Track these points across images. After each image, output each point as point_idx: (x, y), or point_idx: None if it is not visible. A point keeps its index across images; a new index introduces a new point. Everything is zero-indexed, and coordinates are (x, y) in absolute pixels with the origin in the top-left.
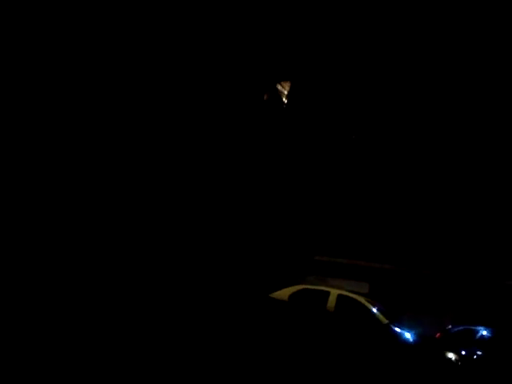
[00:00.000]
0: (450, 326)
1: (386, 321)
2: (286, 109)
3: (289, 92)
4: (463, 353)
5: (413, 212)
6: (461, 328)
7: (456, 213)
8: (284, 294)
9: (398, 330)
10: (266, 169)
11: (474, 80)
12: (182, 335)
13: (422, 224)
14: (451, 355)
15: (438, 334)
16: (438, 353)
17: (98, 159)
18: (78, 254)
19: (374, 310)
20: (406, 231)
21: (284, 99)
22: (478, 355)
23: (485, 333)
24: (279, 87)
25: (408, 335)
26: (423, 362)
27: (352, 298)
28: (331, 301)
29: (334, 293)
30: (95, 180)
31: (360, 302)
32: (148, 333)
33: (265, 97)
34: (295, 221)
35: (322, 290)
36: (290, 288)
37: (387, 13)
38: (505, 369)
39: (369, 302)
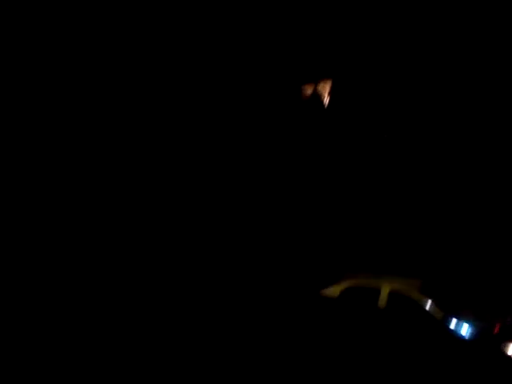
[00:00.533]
0: (510, 318)
1: (441, 315)
2: (327, 108)
3: (330, 91)
4: None
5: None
6: None
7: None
8: (335, 290)
9: (453, 324)
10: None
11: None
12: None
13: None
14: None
15: (497, 327)
16: (497, 348)
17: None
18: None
19: (428, 305)
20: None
21: (325, 99)
22: None
23: None
24: (319, 87)
25: (464, 330)
26: (480, 359)
27: (404, 294)
28: (382, 297)
29: (386, 289)
30: (91, 178)
31: (412, 298)
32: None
33: (305, 96)
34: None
35: (373, 287)
36: (340, 284)
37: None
38: None
39: (422, 297)
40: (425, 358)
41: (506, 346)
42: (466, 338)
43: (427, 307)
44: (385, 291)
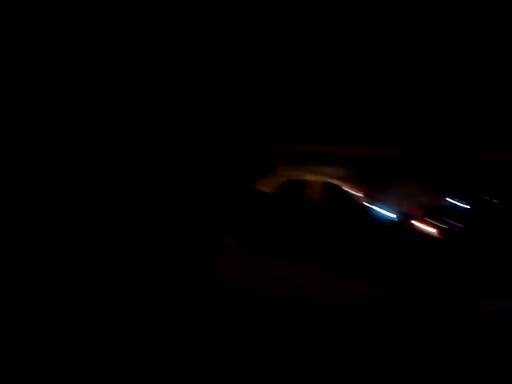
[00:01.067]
0: (430, 201)
1: (367, 201)
2: None
3: None
4: (443, 226)
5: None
6: (443, 203)
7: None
8: (269, 185)
9: (378, 209)
10: None
11: None
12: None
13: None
14: (430, 229)
15: (416, 210)
16: (418, 226)
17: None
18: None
19: (356, 192)
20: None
21: None
22: (458, 227)
23: (463, 206)
24: None
25: (388, 213)
26: (402, 235)
27: (334, 184)
28: (314, 188)
29: (316, 180)
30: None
31: (342, 188)
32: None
33: None
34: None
35: (305, 179)
36: (274, 180)
37: None
38: (482, 239)
39: (352, 185)
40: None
41: (425, 223)
42: (390, 218)
43: (354, 194)
44: (315, 184)
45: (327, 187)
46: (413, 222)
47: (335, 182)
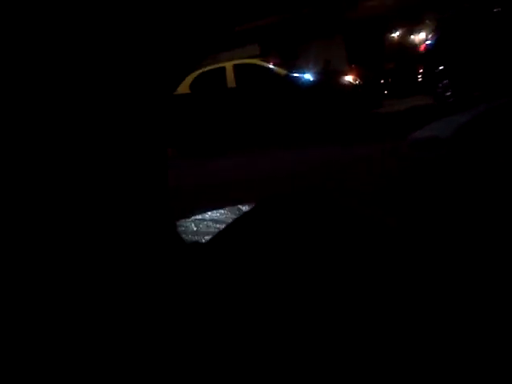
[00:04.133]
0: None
1: (284, 72)
2: None
3: None
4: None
5: None
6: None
7: None
8: (184, 85)
9: (297, 75)
10: None
11: None
12: None
13: None
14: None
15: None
16: (338, 78)
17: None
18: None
19: (271, 66)
20: None
21: None
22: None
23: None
24: None
25: (308, 77)
26: (328, 92)
27: (247, 64)
28: (229, 75)
29: (229, 66)
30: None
31: (256, 65)
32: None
33: None
34: None
35: (217, 68)
36: (187, 78)
37: None
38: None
39: (264, 60)
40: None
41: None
42: (310, 82)
43: (271, 67)
44: (229, 68)
45: (238, 68)
46: (337, 77)
47: (245, 61)
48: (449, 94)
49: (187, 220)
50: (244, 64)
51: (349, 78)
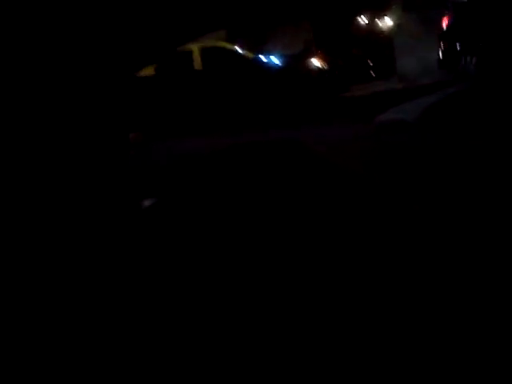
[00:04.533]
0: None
1: (252, 55)
2: None
3: None
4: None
5: None
6: None
7: None
8: (149, 69)
9: (264, 58)
10: None
11: None
12: None
13: None
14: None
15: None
16: (305, 62)
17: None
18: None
19: (238, 49)
20: None
21: None
22: None
23: None
24: None
25: (275, 61)
26: (295, 75)
27: (215, 47)
28: (196, 58)
29: (196, 48)
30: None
31: (224, 48)
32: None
33: None
34: None
35: (184, 51)
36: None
37: None
38: None
39: (231, 44)
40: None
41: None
42: (277, 65)
43: (238, 51)
44: (196, 52)
45: (205, 51)
46: (304, 61)
47: (212, 43)
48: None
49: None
50: (211, 47)
51: (316, 63)
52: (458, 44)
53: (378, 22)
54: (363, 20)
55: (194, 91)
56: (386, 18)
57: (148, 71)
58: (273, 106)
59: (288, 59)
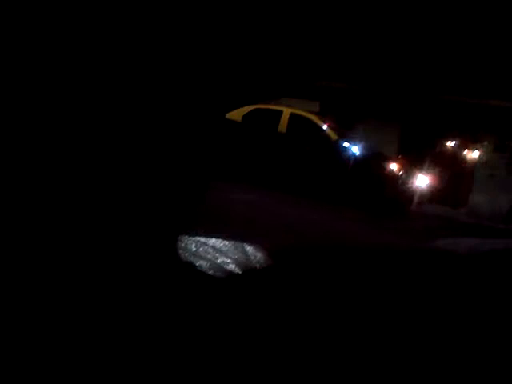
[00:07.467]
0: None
1: (335, 137)
2: None
3: None
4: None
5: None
6: None
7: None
8: (238, 114)
9: (346, 144)
10: None
11: None
12: None
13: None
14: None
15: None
16: (383, 163)
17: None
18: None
19: (325, 127)
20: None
21: None
22: None
23: None
24: None
25: (356, 149)
26: (368, 172)
27: (304, 117)
28: (283, 120)
29: (287, 112)
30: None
31: (312, 120)
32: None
33: None
34: None
35: (275, 110)
36: (243, 108)
37: None
38: None
39: (320, 119)
40: (316, 174)
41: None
42: (356, 155)
43: (324, 128)
44: (285, 114)
45: (294, 117)
46: (382, 160)
47: (303, 113)
48: None
49: (189, 237)
50: (301, 115)
51: (393, 166)
52: None
53: (465, 151)
54: (451, 144)
55: (271, 152)
56: (473, 150)
57: (235, 116)
58: (334, 193)
59: (367, 154)
